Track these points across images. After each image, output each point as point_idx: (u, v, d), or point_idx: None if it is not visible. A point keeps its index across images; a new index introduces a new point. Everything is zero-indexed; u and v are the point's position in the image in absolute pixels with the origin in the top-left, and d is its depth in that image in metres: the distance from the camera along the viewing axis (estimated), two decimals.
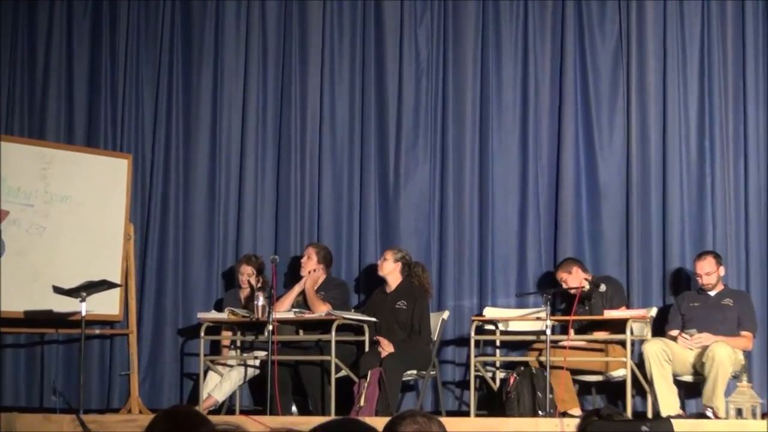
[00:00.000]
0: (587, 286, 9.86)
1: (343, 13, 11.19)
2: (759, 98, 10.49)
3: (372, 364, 9.64)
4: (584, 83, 10.82)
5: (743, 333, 9.51)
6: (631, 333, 9.41)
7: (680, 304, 9.78)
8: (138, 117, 11.34)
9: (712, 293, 9.67)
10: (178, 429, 3.97)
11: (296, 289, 10.33)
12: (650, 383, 9.24)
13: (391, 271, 10.15)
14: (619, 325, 9.47)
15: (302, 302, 10.21)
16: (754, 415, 8.55)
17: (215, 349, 10.68)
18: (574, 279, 9.94)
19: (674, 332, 9.50)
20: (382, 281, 10.26)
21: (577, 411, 9.43)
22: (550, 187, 10.79)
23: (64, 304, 9.89)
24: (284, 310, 10.00)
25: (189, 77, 11.31)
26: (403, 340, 9.89)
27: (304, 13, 11.22)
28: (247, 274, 10.45)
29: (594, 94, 10.77)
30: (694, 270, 9.74)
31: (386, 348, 9.70)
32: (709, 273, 9.62)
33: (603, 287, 9.88)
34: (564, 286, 9.94)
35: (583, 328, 9.92)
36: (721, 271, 9.71)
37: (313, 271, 10.28)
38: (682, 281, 10.23)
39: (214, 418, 4.44)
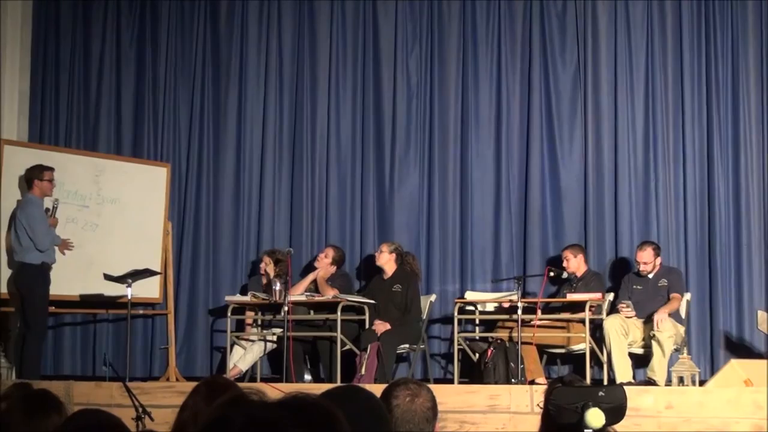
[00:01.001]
0: (552, 273, 9.88)
1: (347, 45, 11.17)
2: (695, 116, 10.49)
3: (371, 339, 9.63)
4: (548, 103, 10.80)
5: (672, 295, 9.50)
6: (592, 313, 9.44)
7: (626, 284, 9.77)
8: (175, 131, 11.31)
9: (650, 275, 9.67)
10: (213, 393, 4.00)
11: (310, 277, 10.32)
12: (608, 354, 9.24)
13: (386, 261, 10.15)
14: (581, 307, 9.48)
15: (314, 288, 10.21)
16: (693, 383, 8.56)
17: (240, 326, 10.66)
18: (575, 262, 9.93)
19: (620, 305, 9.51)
20: (380, 269, 10.26)
21: (542, 380, 9.40)
22: (519, 190, 10.78)
23: (113, 289, 9.87)
24: (298, 294, 10.00)
25: (218, 98, 11.28)
26: (397, 318, 9.88)
27: (314, 45, 11.20)
28: (266, 263, 10.45)
29: (556, 112, 10.76)
30: (635, 257, 9.74)
31: (381, 328, 9.70)
32: (647, 263, 9.62)
33: (564, 275, 9.90)
34: (565, 263, 9.91)
35: (557, 309, 9.92)
36: (658, 261, 9.71)
37: (327, 264, 10.31)
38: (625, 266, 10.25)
39: (239, 385, 4.46)
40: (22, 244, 9.50)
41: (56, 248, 9.71)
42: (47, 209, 9.68)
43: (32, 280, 9.51)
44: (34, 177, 9.62)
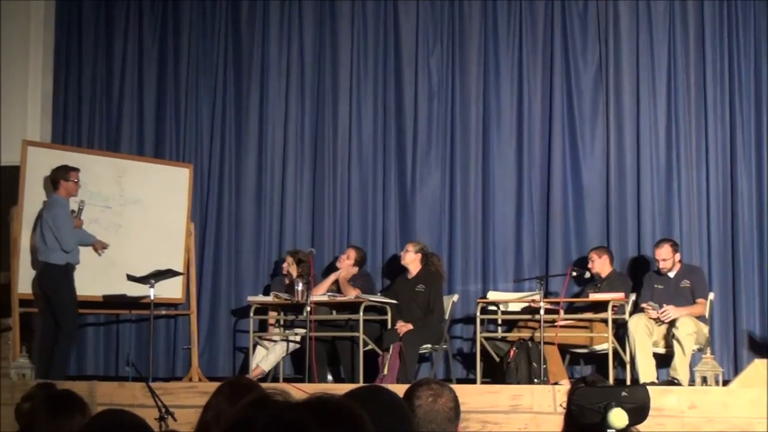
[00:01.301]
0: (575, 273, 9.88)
1: (368, 46, 11.17)
2: (717, 115, 10.46)
3: (393, 339, 9.63)
4: (570, 102, 10.78)
5: (698, 301, 9.47)
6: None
7: (648, 283, 9.73)
8: (197, 132, 11.33)
9: (671, 274, 9.62)
10: (236, 393, 4.02)
11: (332, 277, 10.33)
12: (632, 354, 9.21)
13: (412, 260, 10.14)
14: (604, 307, 9.46)
15: (336, 289, 10.22)
16: (716, 383, 8.53)
17: (262, 326, 10.69)
18: (601, 263, 9.91)
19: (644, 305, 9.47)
20: (403, 269, 10.26)
21: (565, 382, 9.39)
22: (541, 189, 10.76)
23: (135, 290, 9.91)
24: (321, 294, 10.01)
25: (240, 99, 11.30)
26: (420, 318, 9.89)
27: (335, 45, 11.21)
28: (289, 263, 10.46)
29: (578, 111, 10.74)
30: (654, 255, 9.71)
31: (403, 329, 9.70)
32: (665, 259, 9.58)
33: (587, 275, 9.90)
34: (590, 264, 9.90)
35: (580, 309, 9.90)
36: (677, 257, 9.67)
37: (349, 265, 10.33)
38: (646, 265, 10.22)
39: (262, 386, 4.47)
40: (47, 243, 9.55)
41: (80, 249, 9.74)
42: (73, 210, 9.72)
43: (57, 280, 9.56)
44: (60, 177, 9.67)
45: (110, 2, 11.59)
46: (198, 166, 11.19)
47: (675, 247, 9.67)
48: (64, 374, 9.37)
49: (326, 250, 10.86)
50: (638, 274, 10.18)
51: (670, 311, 9.26)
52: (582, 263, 10.10)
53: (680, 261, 9.74)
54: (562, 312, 9.59)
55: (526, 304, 9.82)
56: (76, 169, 9.75)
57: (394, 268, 10.64)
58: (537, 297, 9.43)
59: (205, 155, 11.29)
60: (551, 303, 9.64)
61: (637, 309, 9.54)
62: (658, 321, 9.34)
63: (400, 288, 10.16)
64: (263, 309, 10.42)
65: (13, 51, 11.25)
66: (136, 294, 9.99)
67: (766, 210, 10.24)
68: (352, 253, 10.37)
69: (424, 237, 10.65)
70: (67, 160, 9.96)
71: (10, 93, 11.17)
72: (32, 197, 9.94)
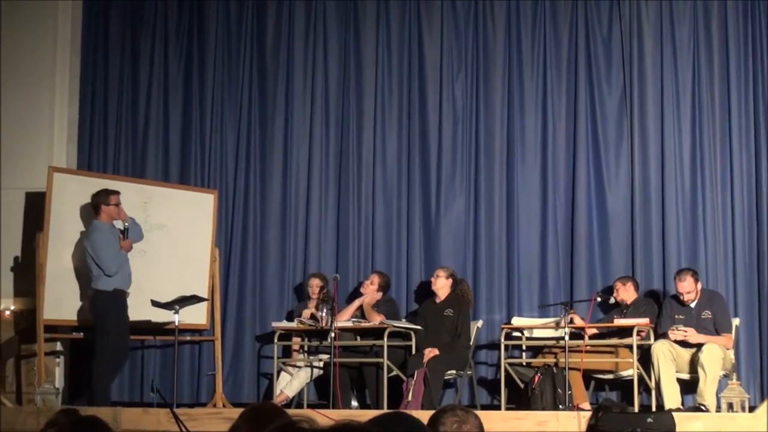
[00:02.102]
0: (599, 298, 9.86)
1: (392, 71, 11.21)
2: (742, 139, 10.44)
3: (418, 365, 9.63)
4: (594, 127, 10.78)
5: (723, 335, 9.39)
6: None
7: (667, 311, 9.65)
8: (222, 158, 11.38)
9: (692, 305, 9.53)
10: (261, 419, 4.02)
11: (356, 303, 10.34)
12: (657, 379, 9.18)
13: (443, 286, 10.14)
14: (629, 332, 9.43)
15: (360, 314, 10.23)
16: (743, 409, 8.50)
17: (287, 352, 10.70)
18: (625, 290, 9.89)
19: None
20: (429, 294, 10.25)
21: (586, 405, 9.38)
22: (566, 215, 10.75)
23: (160, 315, 9.92)
24: (345, 320, 10.02)
25: (264, 124, 11.35)
26: (447, 342, 9.88)
27: (359, 71, 11.25)
28: (315, 285, 10.47)
29: (602, 136, 10.74)
30: (676, 288, 9.58)
31: (429, 355, 9.70)
32: (689, 292, 9.47)
33: (612, 300, 9.89)
34: (615, 293, 9.89)
35: (605, 335, 9.88)
36: (699, 286, 9.58)
37: (373, 290, 10.34)
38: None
39: (287, 412, 4.48)
40: (92, 271, 9.63)
41: (130, 272, 9.72)
42: (121, 230, 9.72)
43: (104, 306, 9.61)
44: (100, 202, 9.72)
45: (136, 29, 11.67)
46: (223, 192, 11.23)
47: (696, 276, 9.57)
48: (103, 400, 9.39)
49: (351, 275, 10.87)
50: (660, 300, 10.14)
51: (691, 334, 9.20)
52: (607, 291, 10.08)
53: (700, 290, 9.66)
54: (587, 338, 9.57)
55: (551, 330, 9.79)
56: (116, 192, 9.79)
57: (419, 293, 10.65)
58: (561, 322, 9.40)
59: (230, 181, 11.33)
60: (576, 328, 9.61)
61: (657, 335, 9.49)
62: (683, 344, 9.27)
63: (427, 312, 10.16)
64: (287, 335, 10.42)
65: (40, 78, 11.34)
66: (161, 320, 10.00)
67: None
68: (376, 279, 10.38)
69: (449, 262, 10.65)
70: (92, 187, 10.03)
71: (36, 120, 11.26)
72: (58, 223, 10.00)
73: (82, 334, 10.40)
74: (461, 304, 10.05)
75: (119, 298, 9.62)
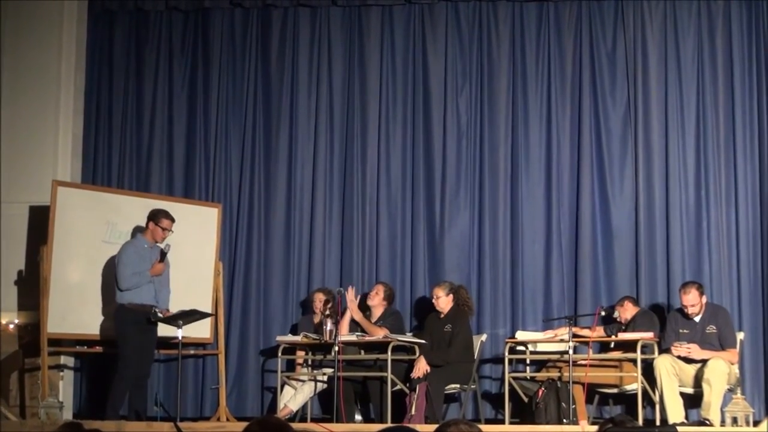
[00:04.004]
0: (603, 313, 9.85)
1: (397, 86, 11.23)
2: (746, 154, 10.47)
3: (419, 379, 9.61)
4: (598, 142, 10.80)
5: (728, 350, 9.36)
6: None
7: (672, 325, 9.62)
8: (226, 172, 11.39)
9: (696, 319, 9.50)
10: None
11: (348, 314, 10.28)
12: (660, 393, 9.17)
13: (446, 304, 10.10)
14: (633, 346, 9.42)
15: (361, 329, 10.19)
16: (747, 423, 8.49)
17: (290, 366, 10.69)
18: (625, 310, 9.91)
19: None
20: (433, 307, 10.22)
21: (585, 423, 9.32)
22: (570, 230, 10.77)
23: (164, 330, 9.89)
24: (347, 334, 9.99)
25: (269, 139, 11.37)
26: (448, 355, 9.85)
27: (364, 85, 11.27)
28: (318, 300, 10.47)
29: (606, 151, 10.76)
30: (681, 301, 9.52)
31: (418, 366, 9.64)
32: (694, 305, 9.43)
33: (616, 314, 9.89)
34: (616, 313, 9.90)
35: (609, 349, 9.86)
36: (704, 299, 9.56)
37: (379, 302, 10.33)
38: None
39: (293, 426, 4.47)
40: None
41: (154, 289, 9.71)
42: (160, 251, 9.69)
43: (117, 320, 9.61)
44: (153, 219, 9.70)
45: (140, 44, 11.70)
46: (227, 206, 11.24)
47: (701, 290, 9.54)
48: (113, 414, 9.39)
49: (355, 289, 10.85)
50: (665, 315, 10.12)
51: (694, 351, 9.18)
52: (611, 307, 10.06)
53: (704, 303, 9.64)
54: (590, 352, 9.56)
55: (555, 344, 9.78)
56: (172, 219, 9.73)
57: (423, 306, 10.65)
58: (565, 336, 9.38)
59: (235, 195, 11.34)
60: (580, 341, 9.61)
61: (661, 350, 9.47)
62: (687, 360, 9.26)
63: (432, 325, 10.14)
64: (292, 349, 10.41)
65: (44, 92, 11.35)
66: (165, 334, 9.98)
67: None
68: (380, 289, 10.37)
69: (453, 276, 10.65)
70: (96, 201, 10.04)
71: (40, 134, 11.26)
72: (62, 237, 10.01)
73: (85, 347, 10.39)
74: (460, 318, 9.98)
75: (132, 313, 9.55)
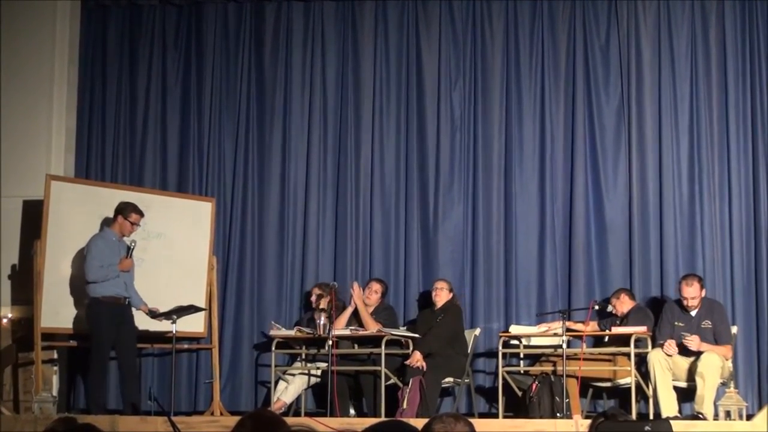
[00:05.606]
0: (597, 306, 9.85)
1: (390, 80, 11.22)
2: (740, 149, 10.47)
3: (414, 373, 9.61)
4: (592, 137, 10.80)
5: (724, 345, 9.37)
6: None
7: (667, 316, 9.61)
8: (220, 167, 11.38)
9: (693, 313, 9.51)
10: (260, 427, 4.00)
11: (349, 310, 10.30)
12: (653, 387, 9.18)
13: (446, 298, 10.14)
14: (627, 340, 9.42)
15: (358, 323, 10.20)
16: (740, 417, 8.50)
17: (286, 360, 10.68)
18: (621, 303, 9.90)
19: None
20: (427, 302, 10.23)
21: (578, 417, 9.32)
22: (564, 224, 10.76)
23: (158, 324, 9.91)
24: (341, 328, 9.99)
25: (262, 133, 11.35)
26: (442, 348, 9.85)
27: (357, 79, 11.26)
28: (315, 294, 10.46)
29: (600, 146, 10.76)
30: (681, 292, 9.53)
31: (415, 358, 9.66)
32: (694, 297, 9.45)
33: (610, 308, 9.89)
34: (610, 308, 9.91)
35: (603, 343, 9.86)
36: (703, 293, 9.58)
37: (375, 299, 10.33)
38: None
39: (287, 420, 4.46)
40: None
41: (120, 282, 9.71)
42: (127, 247, 9.68)
43: (91, 313, 9.60)
44: (121, 213, 9.69)
45: (134, 39, 11.69)
46: (221, 201, 11.23)
47: (702, 283, 9.56)
48: (96, 408, 9.40)
49: (348, 284, 10.84)
50: (660, 308, 10.13)
51: (693, 342, 9.17)
52: (605, 300, 10.07)
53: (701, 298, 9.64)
54: (584, 346, 9.57)
55: (549, 338, 9.78)
56: (141, 214, 9.75)
57: (417, 301, 10.65)
58: (559, 330, 9.39)
59: (228, 189, 11.33)
60: (574, 336, 9.62)
61: (655, 343, 9.48)
62: (683, 352, 9.25)
63: (426, 320, 10.15)
64: (286, 343, 10.40)
65: (38, 86, 11.34)
66: (159, 328, 9.99)
67: None
68: (375, 286, 10.37)
69: (447, 271, 10.66)
70: (90, 195, 10.04)
71: (34, 128, 11.25)
72: (55, 231, 10.00)
73: (75, 342, 10.36)
74: (452, 310, 10.02)
75: (100, 305, 9.55)
